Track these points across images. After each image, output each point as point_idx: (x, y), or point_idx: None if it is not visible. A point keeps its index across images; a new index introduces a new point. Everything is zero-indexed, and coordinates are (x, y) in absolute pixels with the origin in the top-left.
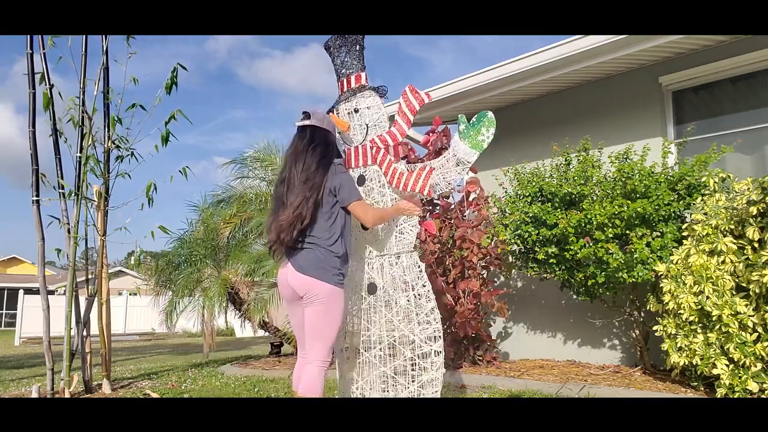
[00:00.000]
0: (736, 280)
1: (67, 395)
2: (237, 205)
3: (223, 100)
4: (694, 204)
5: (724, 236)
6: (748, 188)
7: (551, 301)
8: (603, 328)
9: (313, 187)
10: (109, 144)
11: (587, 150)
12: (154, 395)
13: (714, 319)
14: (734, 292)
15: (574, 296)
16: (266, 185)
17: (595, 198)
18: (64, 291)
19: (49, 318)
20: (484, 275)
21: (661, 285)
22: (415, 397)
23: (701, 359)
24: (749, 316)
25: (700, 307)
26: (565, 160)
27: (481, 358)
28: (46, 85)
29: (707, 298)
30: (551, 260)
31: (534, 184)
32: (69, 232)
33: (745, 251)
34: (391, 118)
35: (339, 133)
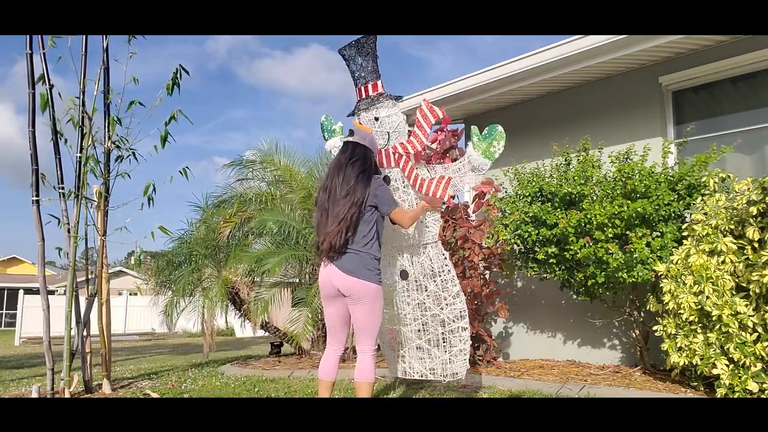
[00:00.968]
0: (736, 280)
1: (67, 395)
2: (237, 204)
3: (223, 100)
4: (694, 204)
5: (724, 236)
6: (748, 188)
7: (551, 301)
8: (603, 328)
9: (354, 201)
10: (109, 144)
11: (587, 150)
12: (154, 395)
13: (714, 319)
14: (734, 292)
15: (574, 296)
16: (266, 185)
17: (595, 198)
18: (64, 291)
19: (49, 318)
20: (486, 275)
21: (661, 285)
22: (447, 363)
23: (701, 359)
24: (749, 316)
25: (700, 307)
26: (565, 160)
27: (481, 358)
28: (45, 85)
29: (707, 298)
30: (551, 260)
31: (534, 184)
32: (69, 232)
33: (745, 251)
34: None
35: None
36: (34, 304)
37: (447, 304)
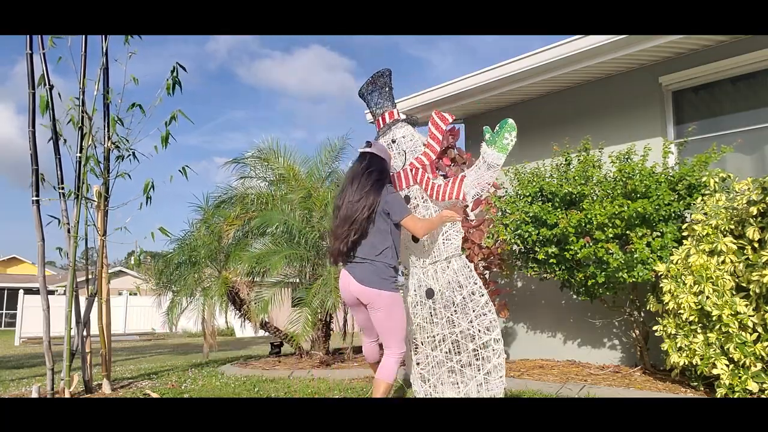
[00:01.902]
0: (736, 280)
1: (67, 395)
2: (240, 206)
3: (223, 100)
4: (694, 204)
5: (724, 236)
6: (748, 188)
7: (551, 301)
8: (603, 328)
9: (365, 206)
10: (109, 144)
11: (588, 150)
12: (154, 395)
13: (714, 319)
14: (734, 292)
15: (574, 296)
16: (266, 185)
17: (595, 198)
18: (64, 291)
19: (49, 318)
20: (486, 275)
21: (661, 285)
22: (482, 385)
23: (701, 359)
24: (749, 316)
25: (700, 307)
26: (566, 160)
27: None
28: (45, 85)
29: (707, 298)
30: (551, 260)
31: (534, 183)
32: (69, 232)
33: (745, 251)
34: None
35: None
36: (34, 304)
37: (476, 316)
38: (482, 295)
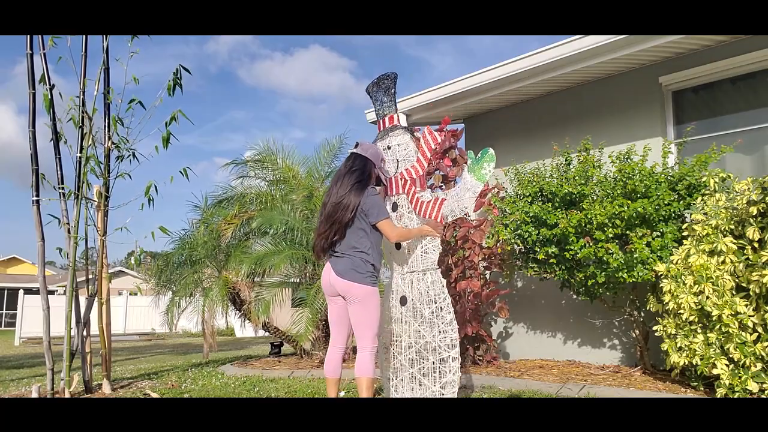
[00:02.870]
0: (736, 280)
1: (67, 395)
2: (238, 205)
3: (224, 101)
4: (694, 204)
5: (724, 236)
6: (748, 188)
7: (551, 301)
8: (603, 328)
9: (345, 206)
10: (109, 144)
11: (588, 150)
12: (154, 395)
13: (714, 319)
14: (734, 292)
15: (574, 296)
16: (266, 185)
17: (595, 198)
18: (64, 291)
19: (49, 318)
20: (486, 276)
21: (661, 285)
22: (437, 396)
23: (701, 359)
24: (749, 316)
25: (700, 307)
26: (566, 160)
27: (481, 358)
28: (46, 85)
29: (707, 298)
30: (551, 260)
31: (534, 184)
32: (69, 232)
33: (745, 251)
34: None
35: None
36: (34, 304)
37: (440, 331)
38: (449, 313)
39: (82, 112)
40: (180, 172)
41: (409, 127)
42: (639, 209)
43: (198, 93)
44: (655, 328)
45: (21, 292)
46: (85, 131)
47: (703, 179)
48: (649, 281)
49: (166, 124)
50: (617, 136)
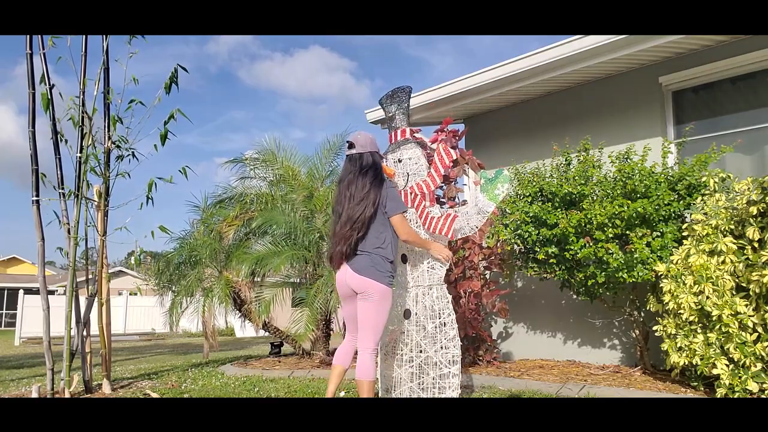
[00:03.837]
0: (736, 280)
1: (67, 395)
2: (239, 206)
3: (224, 101)
4: (694, 204)
5: (724, 236)
6: (748, 188)
7: (551, 301)
8: (603, 328)
9: (367, 205)
10: (109, 144)
11: (587, 150)
12: (154, 395)
13: (714, 319)
14: (734, 292)
15: (574, 296)
16: (267, 185)
17: (595, 198)
18: (64, 291)
19: (49, 318)
20: (486, 276)
21: (661, 285)
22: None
23: (701, 359)
24: (749, 316)
25: (700, 307)
26: (566, 160)
27: (481, 358)
28: (45, 85)
29: (707, 298)
30: (551, 260)
31: (534, 184)
32: (69, 232)
33: (745, 251)
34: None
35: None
36: (34, 304)
37: (442, 347)
38: (452, 329)
39: (82, 112)
40: (179, 171)
41: (422, 141)
42: (639, 209)
43: (198, 93)
44: (655, 328)
45: (21, 292)
46: (84, 131)
47: (703, 179)
48: (649, 281)
49: (164, 122)
50: (617, 136)
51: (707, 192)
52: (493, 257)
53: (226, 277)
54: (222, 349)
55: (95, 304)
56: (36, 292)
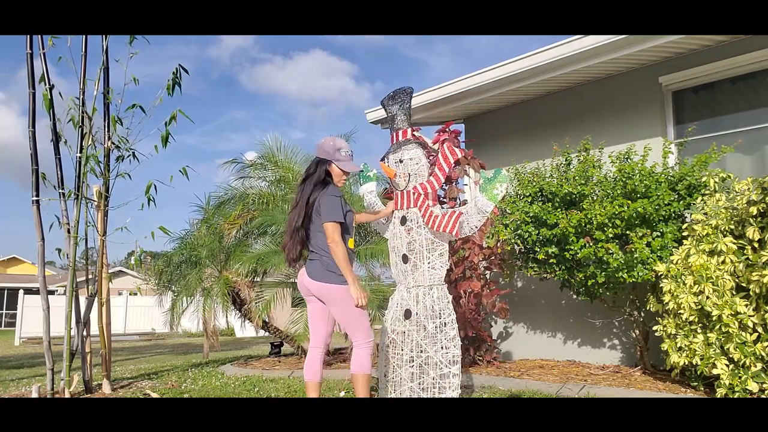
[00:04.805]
0: (736, 280)
1: (67, 395)
2: (241, 205)
3: (224, 101)
4: (694, 204)
5: (724, 236)
6: (748, 188)
7: (551, 301)
8: (603, 328)
9: (301, 211)
10: (109, 144)
11: (588, 150)
12: (154, 395)
13: (714, 319)
14: (734, 292)
15: (574, 296)
16: (267, 185)
17: (595, 198)
18: (64, 291)
19: (49, 318)
20: (487, 276)
21: (661, 285)
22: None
23: (701, 359)
24: (749, 316)
25: (700, 307)
26: (566, 160)
27: (481, 358)
28: (45, 85)
29: (707, 298)
30: (551, 260)
31: (534, 184)
32: (69, 232)
33: (745, 251)
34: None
35: (388, 179)
36: (34, 304)
37: (442, 347)
38: (453, 329)
39: (82, 112)
40: (180, 171)
41: (424, 142)
42: (639, 209)
43: (199, 97)
44: (655, 328)
45: (21, 292)
46: (84, 131)
47: (703, 179)
48: (649, 281)
49: (165, 124)
50: (617, 136)
51: (707, 192)
52: (493, 257)
53: (225, 276)
54: (222, 349)
55: (95, 304)
56: (36, 292)
